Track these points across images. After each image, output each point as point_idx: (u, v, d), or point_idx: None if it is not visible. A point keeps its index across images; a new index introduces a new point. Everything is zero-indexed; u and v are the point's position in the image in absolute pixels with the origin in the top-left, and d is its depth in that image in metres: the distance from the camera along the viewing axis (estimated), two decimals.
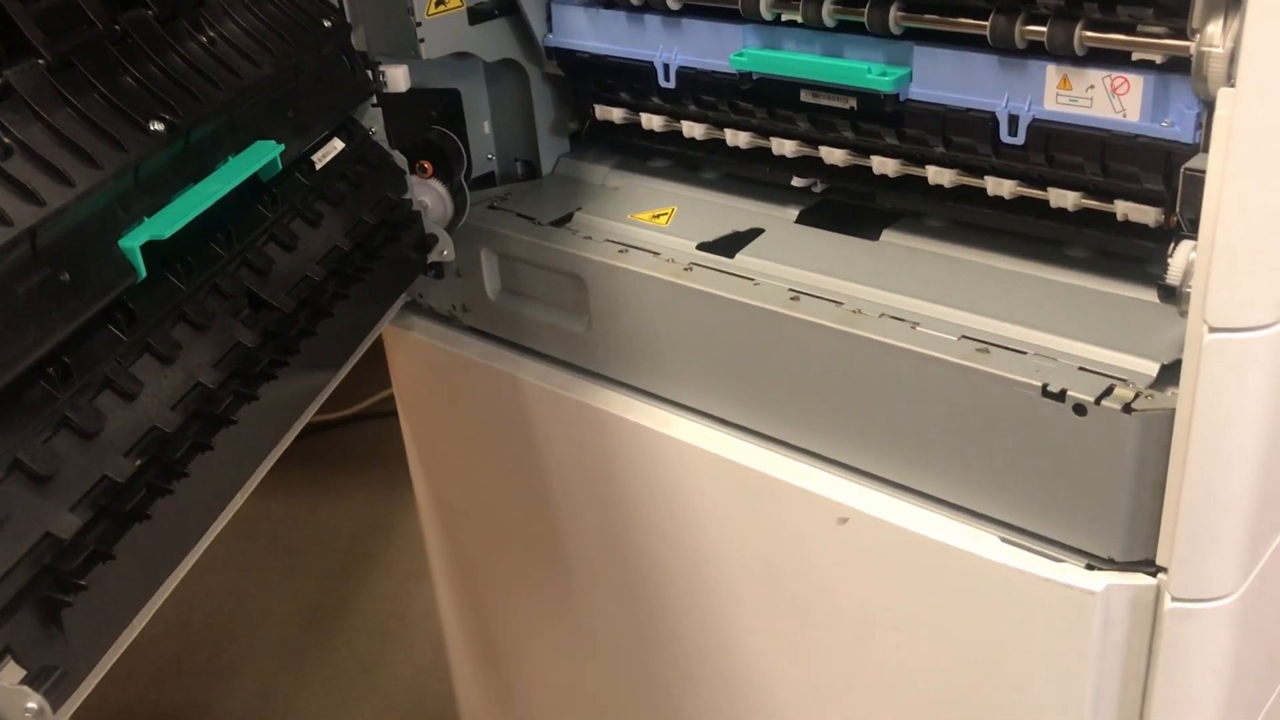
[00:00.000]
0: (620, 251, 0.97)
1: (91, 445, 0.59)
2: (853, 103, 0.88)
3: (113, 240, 0.62)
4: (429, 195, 0.98)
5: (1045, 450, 0.75)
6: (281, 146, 0.75)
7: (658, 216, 1.02)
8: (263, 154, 0.73)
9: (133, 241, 0.63)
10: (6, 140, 0.59)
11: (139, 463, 0.61)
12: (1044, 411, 0.74)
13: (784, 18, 0.89)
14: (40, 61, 0.63)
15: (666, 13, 0.96)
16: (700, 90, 0.97)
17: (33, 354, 0.56)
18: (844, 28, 0.86)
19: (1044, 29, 0.75)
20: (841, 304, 0.86)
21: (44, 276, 0.58)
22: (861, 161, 0.91)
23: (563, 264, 1.01)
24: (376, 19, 0.99)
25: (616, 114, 1.06)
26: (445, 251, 0.97)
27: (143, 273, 0.63)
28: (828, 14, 0.85)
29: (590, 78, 1.06)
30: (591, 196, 1.08)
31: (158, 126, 0.67)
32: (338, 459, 2.43)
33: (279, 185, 0.79)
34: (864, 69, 0.84)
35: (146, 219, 0.65)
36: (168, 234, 0.64)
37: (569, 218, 1.05)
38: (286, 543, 2.23)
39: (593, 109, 1.08)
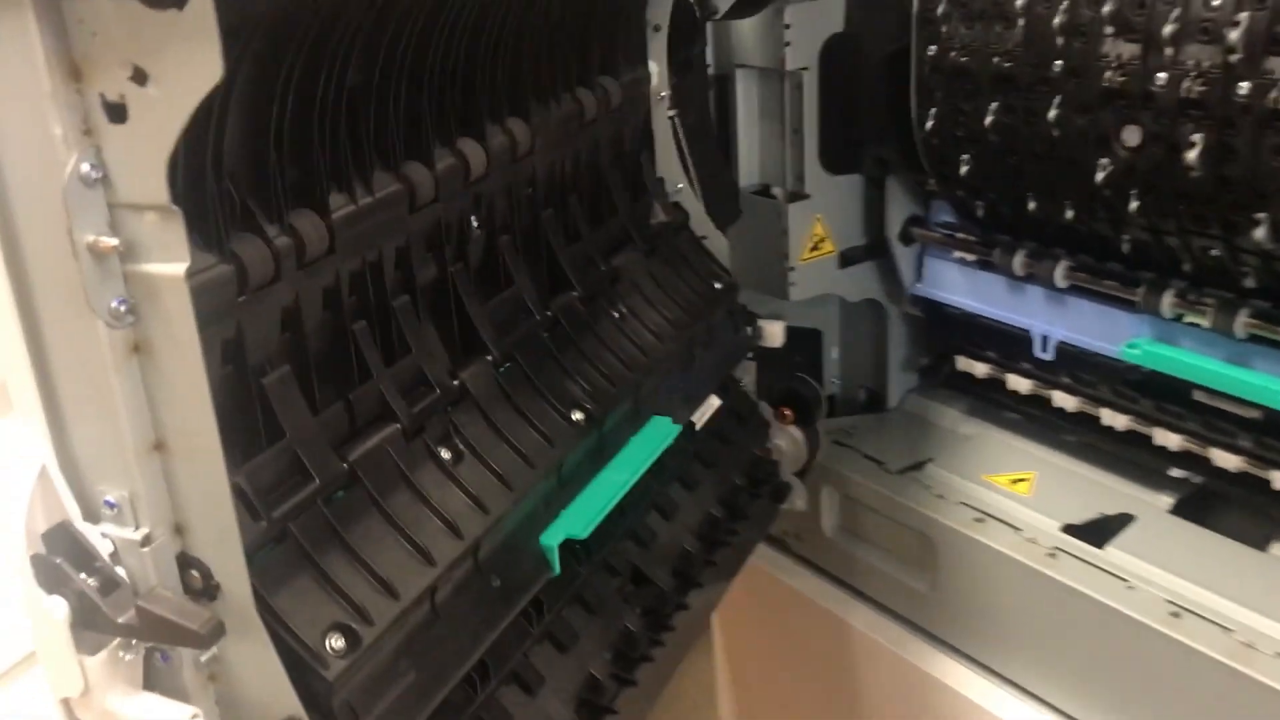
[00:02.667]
0: (977, 520, 0.95)
1: None
2: (1258, 414, 0.83)
3: (534, 538, 0.66)
4: (785, 440, 0.99)
5: None
6: (679, 428, 0.77)
7: (1016, 482, 0.99)
8: (663, 435, 0.76)
9: (552, 539, 0.66)
10: (460, 446, 0.63)
11: None
12: None
13: (1186, 318, 0.85)
14: (489, 358, 0.68)
15: (1052, 287, 0.94)
16: (1080, 368, 0.94)
17: (467, 663, 0.59)
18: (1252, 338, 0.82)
19: None
20: (1231, 631, 0.80)
21: (480, 585, 0.61)
22: (1259, 472, 0.86)
23: (911, 520, 0.99)
24: (747, 263, 1.02)
25: (980, 369, 1.04)
26: (799, 502, 0.98)
27: (558, 570, 0.66)
28: (1241, 327, 0.81)
29: (956, 330, 1.05)
30: (942, 444, 1.06)
31: (578, 416, 0.70)
32: None
33: (665, 453, 0.81)
34: None
35: (562, 512, 0.68)
36: (585, 534, 0.66)
37: (919, 467, 1.03)
38: None
39: (953, 359, 1.07)
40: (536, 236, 0.74)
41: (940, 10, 0.91)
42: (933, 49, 0.92)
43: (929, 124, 0.94)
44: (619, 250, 0.83)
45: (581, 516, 0.67)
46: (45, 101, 0.40)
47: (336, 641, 0.52)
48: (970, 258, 1.00)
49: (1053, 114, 0.84)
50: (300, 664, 0.50)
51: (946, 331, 1.07)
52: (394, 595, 0.55)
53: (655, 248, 0.86)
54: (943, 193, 1.00)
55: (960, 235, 1.01)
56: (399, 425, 0.60)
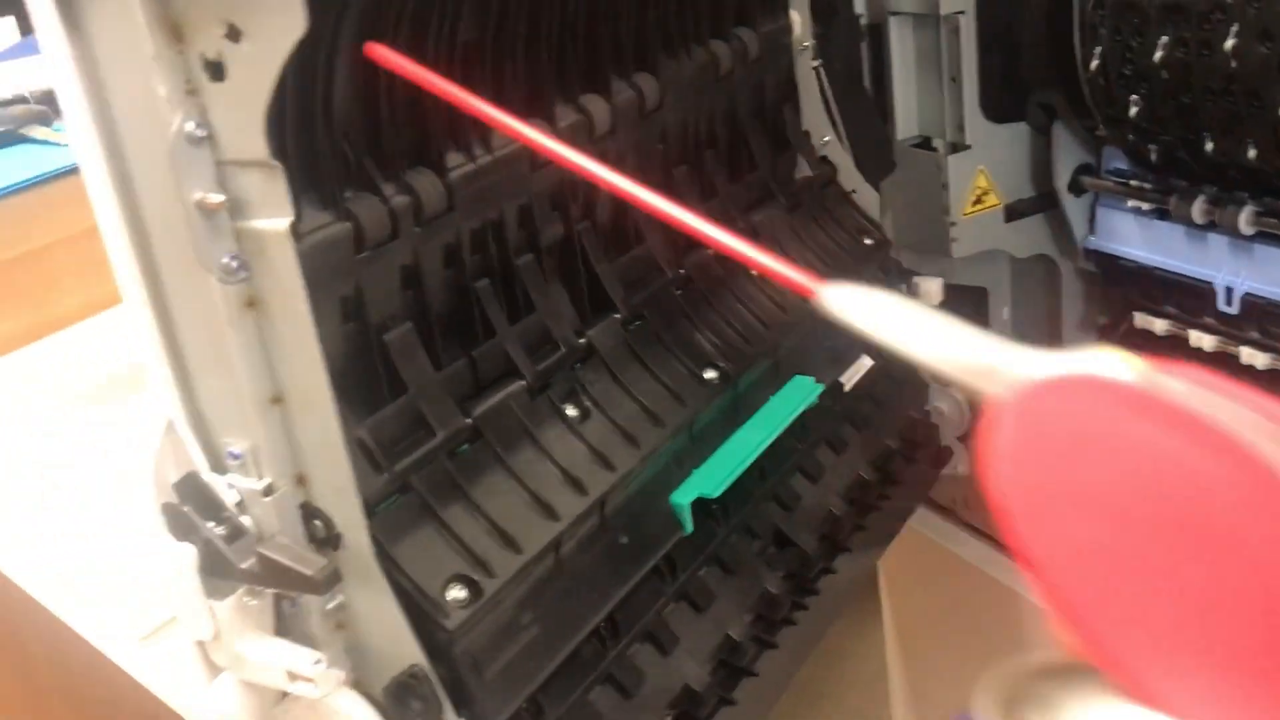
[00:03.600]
0: None
1: (629, 704, 0.61)
2: None
3: (664, 496, 0.65)
4: (947, 403, 0.95)
5: None
6: (821, 386, 0.75)
7: None
8: (804, 394, 0.74)
9: (683, 498, 0.65)
10: (586, 403, 0.63)
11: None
12: None
13: None
14: (616, 316, 0.67)
15: (1235, 235, 0.87)
16: (1269, 321, 0.87)
17: (594, 618, 0.59)
18: None
19: None
20: None
21: (608, 541, 0.61)
22: None
23: None
24: (907, 219, 0.98)
25: (1159, 325, 0.98)
26: (959, 467, 0.94)
27: (689, 529, 0.65)
28: None
29: (1133, 284, 0.98)
30: None
31: (711, 375, 0.69)
32: None
33: (809, 413, 0.79)
34: None
35: (695, 471, 0.67)
36: (717, 494, 0.65)
37: None
38: None
39: (1131, 315, 1.00)
40: (669, 193, 0.73)
41: None
42: None
43: (1094, 64, 0.89)
44: (759, 206, 0.81)
45: (714, 476, 0.66)
46: (150, 63, 0.42)
47: (458, 592, 0.52)
48: (1146, 206, 0.93)
49: (1229, 44, 0.77)
50: (421, 614, 0.51)
51: (1123, 287, 1.00)
52: (516, 548, 0.55)
53: (799, 203, 0.83)
54: (1113, 138, 0.94)
55: (1134, 183, 0.94)
56: (524, 382, 0.60)
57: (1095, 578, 0.23)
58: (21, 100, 0.95)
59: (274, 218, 0.44)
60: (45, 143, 0.89)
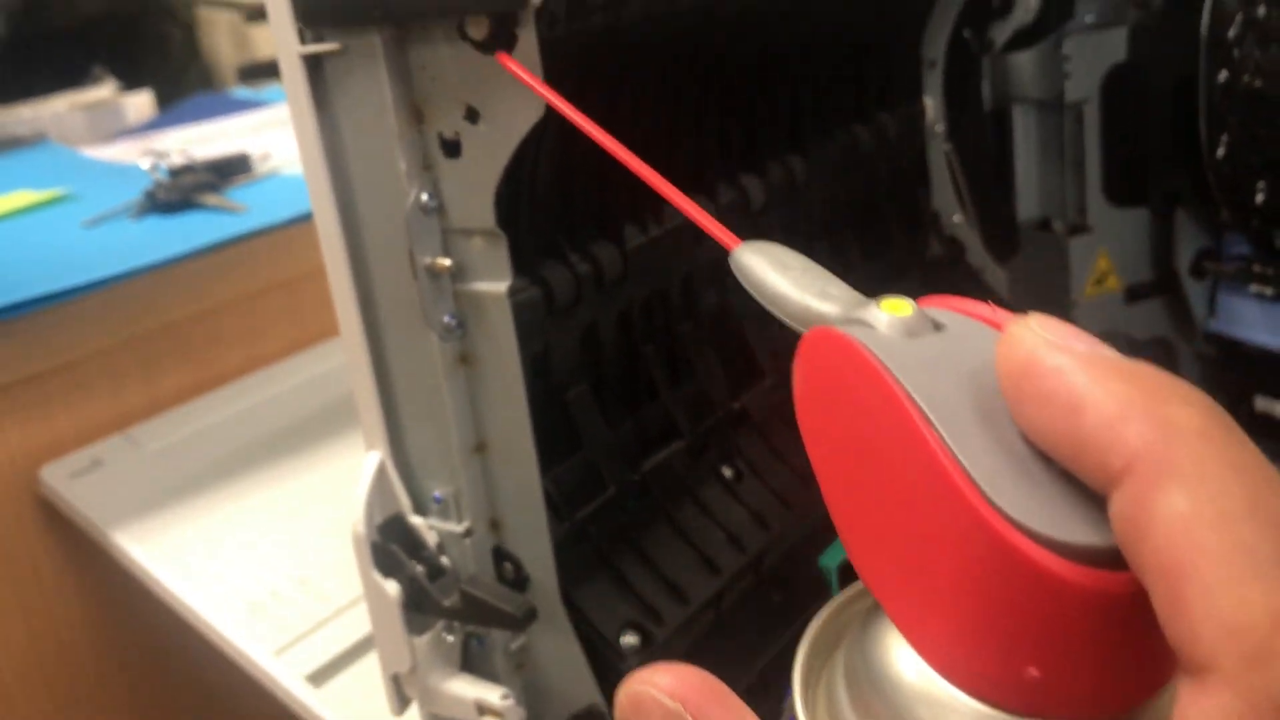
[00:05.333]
0: None
1: None
2: None
3: (813, 558, 0.67)
4: None
5: None
6: None
7: None
8: None
9: (831, 560, 0.67)
10: (740, 465, 0.66)
11: None
12: None
13: None
14: (766, 383, 0.70)
15: None
16: None
17: (749, 673, 0.61)
18: None
19: None
20: None
21: (763, 598, 0.63)
22: None
23: None
24: (1028, 299, 1.00)
25: None
26: None
27: (837, 590, 0.67)
28: None
29: (1253, 369, 0.99)
30: None
31: None
32: None
33: None
34: None
35: None
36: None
37: None
38: None
39: (1252, 399, 1.01)
40: None
41: (1232, 34, 0.88)
42: (1224, 74, 0.89)
43: (1221, 151, 0.91)
44: (893, 282, 0.84)
45: None
46: (393, 141, 0.47)
47: (632, 638, 0.55)
48: (1269, 291, 0.95)
49: None
50: (599, 656, 0.54)
51: (1244, 371, 1.01)
52: (684, 600, 0.58)
53: (931, 281, 0.86)
54: (1237, 224, 0.96)
55: (1257, 267, 0.96)
56: (684, 442, 0.64)
57: (845, 506, 0.27)
58: (190, 169, 1.02)
59: (494, 281, 0.49)
60: (216, 210, 0.95)
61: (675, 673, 0.26)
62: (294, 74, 0.47)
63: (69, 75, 1.80)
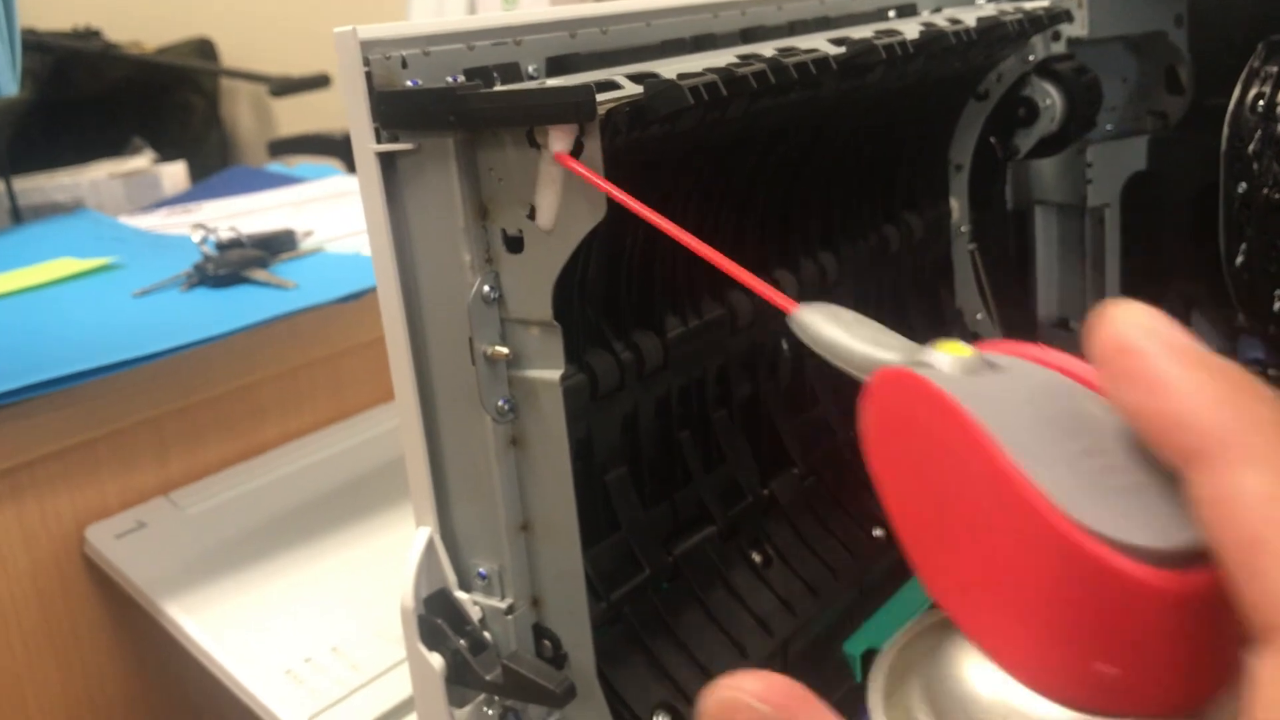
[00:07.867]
0: None
1: None
2: None
3: (838, 645, 0.69)
4: None
5: None
6: None
7: None
8: None
9: (855, 648, 0.69)
10: (769, 550, 0.68)
11: None
12: None
13: None
14: (795, 471, 0.73)
15: None
16: None
17: None
18: None
19: None
20: None
21: None
22: None
23: None
24: None
25: None
26: None
27: (859, 678, 0.69)
28: None
29: None
30: None
31: (879, 533, 0.74)
32: None
33: None
34: None
35: (865, 622, 0.71)
36: (888, 646, 0.69)
37: None
38: None
39: None
40: None
41: (1251, 148, 0.91)
42: (1243, 185, 0.92)
43: (1239, 260, 0.94)
44: None
45: (883, 629, 0.70)
46: (459, 235, 0.50)
47: (663, 718, 0.57)
48: None
49: None
50: None
51: None
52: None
53: None
54: (1254, 328, 0.98)
55: (1271, 371, 0.98)
56: (715, 527, 0.66)
57: (920, 536, 0.28)
58: (239, 244, 1.06)
59: (548, 369, 0.51)
60: (264, 285, 0.98)
61: (764, 679, 0.28)
62: (369, 169, 0.50)
63: (97, 144, 1.84)
